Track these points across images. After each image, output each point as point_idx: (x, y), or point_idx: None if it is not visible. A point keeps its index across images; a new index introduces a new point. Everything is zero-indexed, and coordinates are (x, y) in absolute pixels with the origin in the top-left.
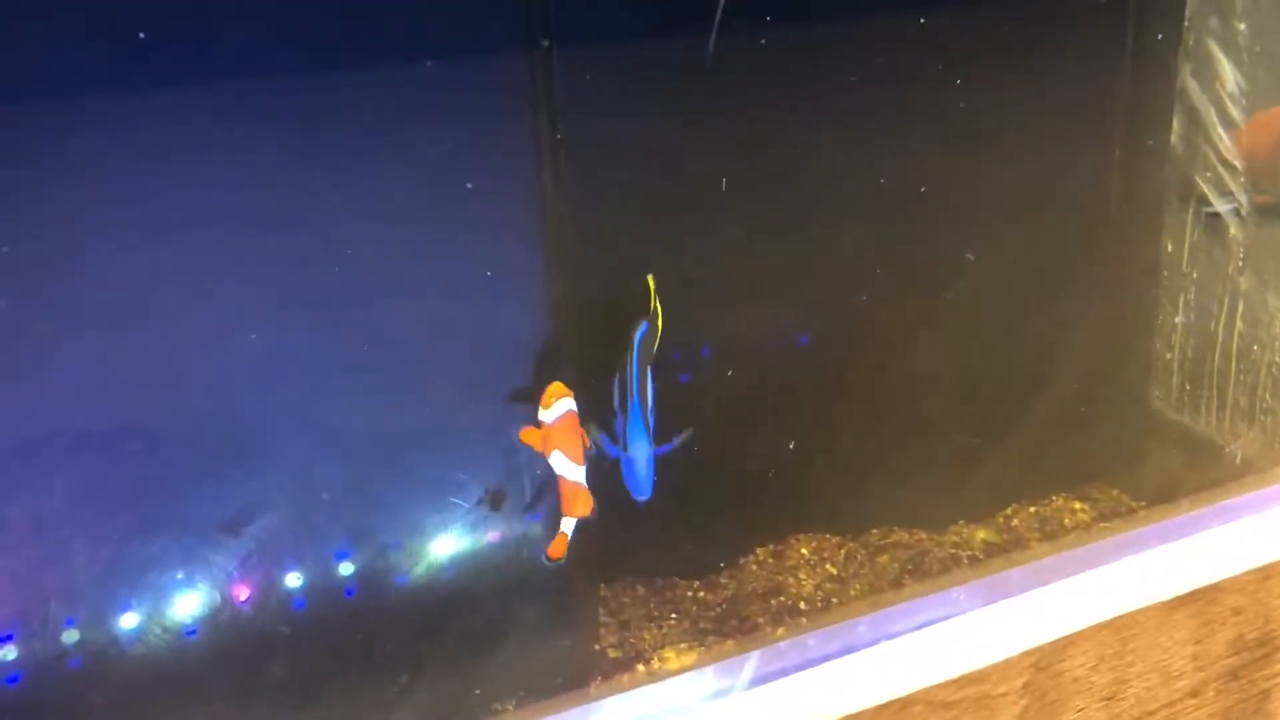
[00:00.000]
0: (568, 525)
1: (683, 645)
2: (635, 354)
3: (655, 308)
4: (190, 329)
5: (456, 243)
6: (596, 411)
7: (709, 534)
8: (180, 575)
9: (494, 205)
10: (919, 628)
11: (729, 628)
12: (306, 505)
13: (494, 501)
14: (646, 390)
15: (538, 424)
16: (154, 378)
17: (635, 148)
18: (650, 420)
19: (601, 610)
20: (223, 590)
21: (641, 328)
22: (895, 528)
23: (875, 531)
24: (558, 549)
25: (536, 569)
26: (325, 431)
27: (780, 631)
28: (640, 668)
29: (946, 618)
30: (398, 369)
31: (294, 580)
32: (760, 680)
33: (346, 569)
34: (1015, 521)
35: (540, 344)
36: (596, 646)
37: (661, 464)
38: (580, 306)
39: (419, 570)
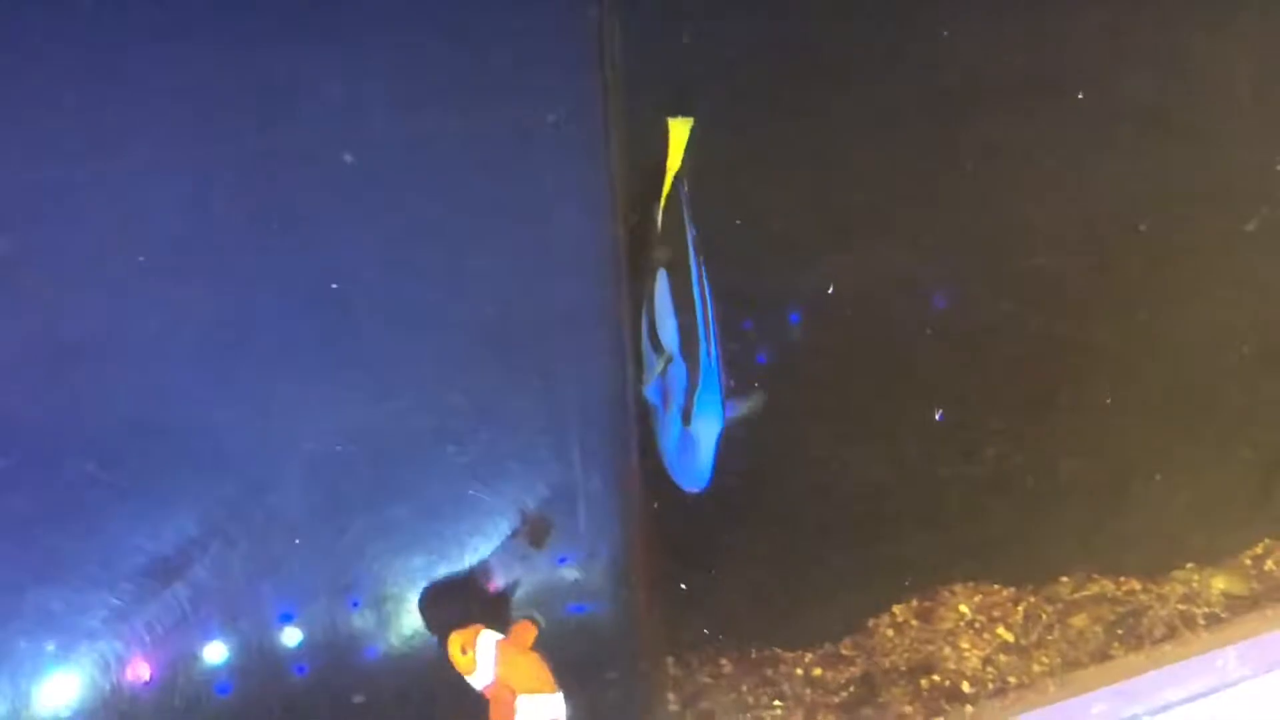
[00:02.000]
0: None
1: None
2: (696, 269)
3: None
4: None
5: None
6: None
7: (824, 584)
8: (52, 646)
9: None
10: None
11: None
12: (238, 545)
13: (535, 534)
14: (711, 328)
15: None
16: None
17: None
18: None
19: (671, 696)
20: (113, 669)
21: (690, 231)
22: (1095, 574)
23: (1066, 580)
24: None
25: (570, 633)
26: (278, 440)
27: None
28: None
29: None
30: (384, 359)
31: (216, 654)
32: None
33: (292, 637)
34: (1269, 563)
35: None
36: None
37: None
38: None
39: (399, 637)
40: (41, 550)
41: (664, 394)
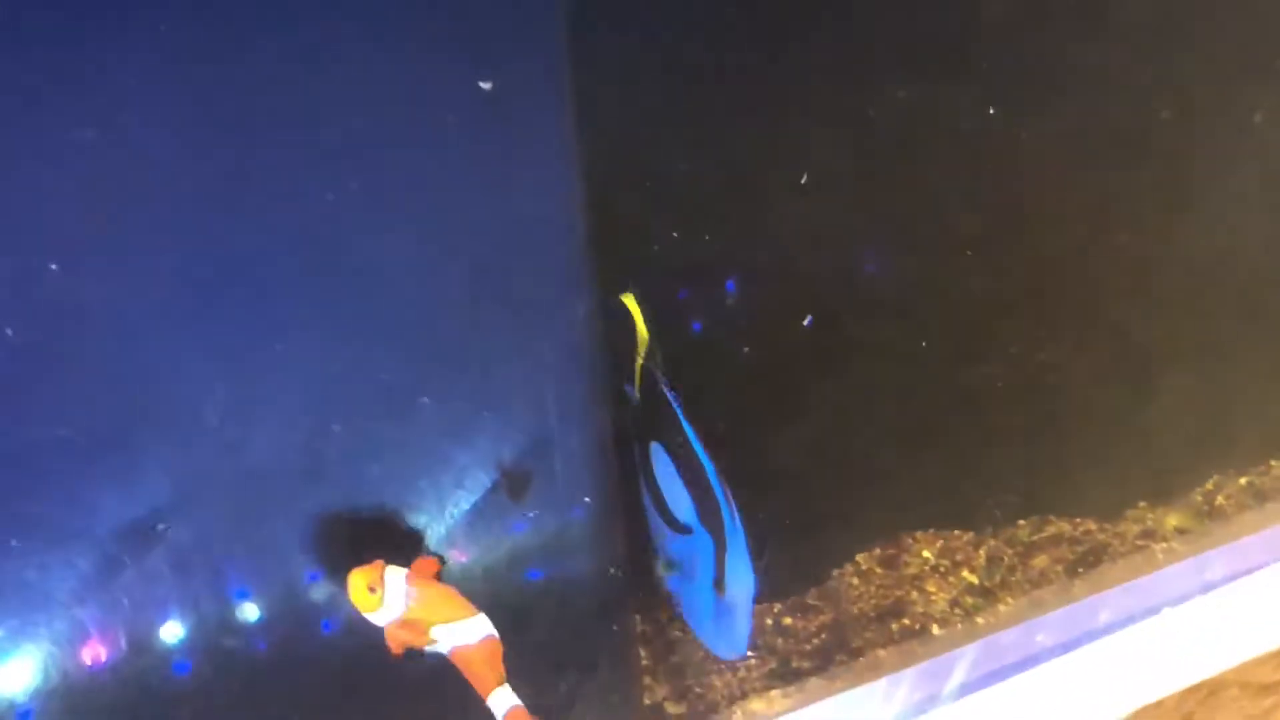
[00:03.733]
0: (505, 699)
1: (773, 692)
2: (693, 435)
3: (641, 333)
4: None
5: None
6: None
7: (785, 537)
8: (18, 619)
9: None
10: None
11: (836, 665)
12: (207, 511)
13: (513, 488)
14: (726, 490)
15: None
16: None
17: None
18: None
19: (643, 651)
20: (79, 641)
21: (671, 397)
22: (1051, 517)
23: (1023, 524)
24: None
25: (541, 588)
26: (250, 401)
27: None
28: None
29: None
30: (356, 317)
31: (172, 632)
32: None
33: (249, 612)
34: (1220, 499)
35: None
36: (647, 701)
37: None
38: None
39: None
40: (10, 517)
41: (688, 568)
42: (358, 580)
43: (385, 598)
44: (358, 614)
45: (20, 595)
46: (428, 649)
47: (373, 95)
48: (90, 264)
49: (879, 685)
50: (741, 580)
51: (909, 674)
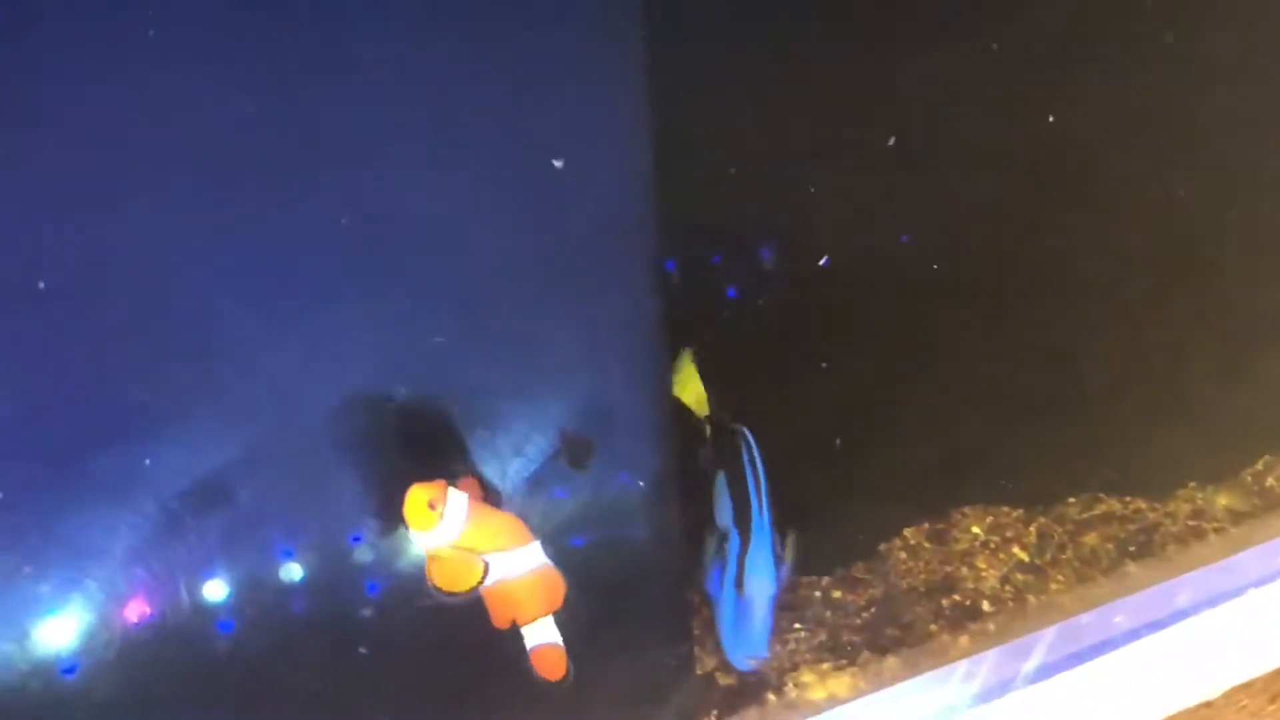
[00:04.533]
0: (542, 632)
1: (824, 665)
2: (751, 452)
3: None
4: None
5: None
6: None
7: (831, 510)
8: (45, 586)
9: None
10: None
11: (886, 639)
12: (258, 474)
13: (576, 456)
14: (763, 490)
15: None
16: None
17: None
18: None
19: (695, 621)
20: (108, 606)
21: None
22: (1101, 495)
23: (1073, 501)
24: (553, 666)
25: (600, 556)
26: (316, 368)
27: (963, 641)
28: (770, 698)
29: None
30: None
31: (216, 590)
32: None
33: (293, 572)
34: (1270, 479)
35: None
36: (699, 671)
37: None
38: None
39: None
40: (84, 478)
41: (721, 572)
42: (418, 495)
43: (444, 515)
44: (403, 572)
45: (75, 551)
46: (486, 576)
47: (444, 66)
48: (167, 236)
49: (959, 667)
50: (761, 578)
51: (990, 655)
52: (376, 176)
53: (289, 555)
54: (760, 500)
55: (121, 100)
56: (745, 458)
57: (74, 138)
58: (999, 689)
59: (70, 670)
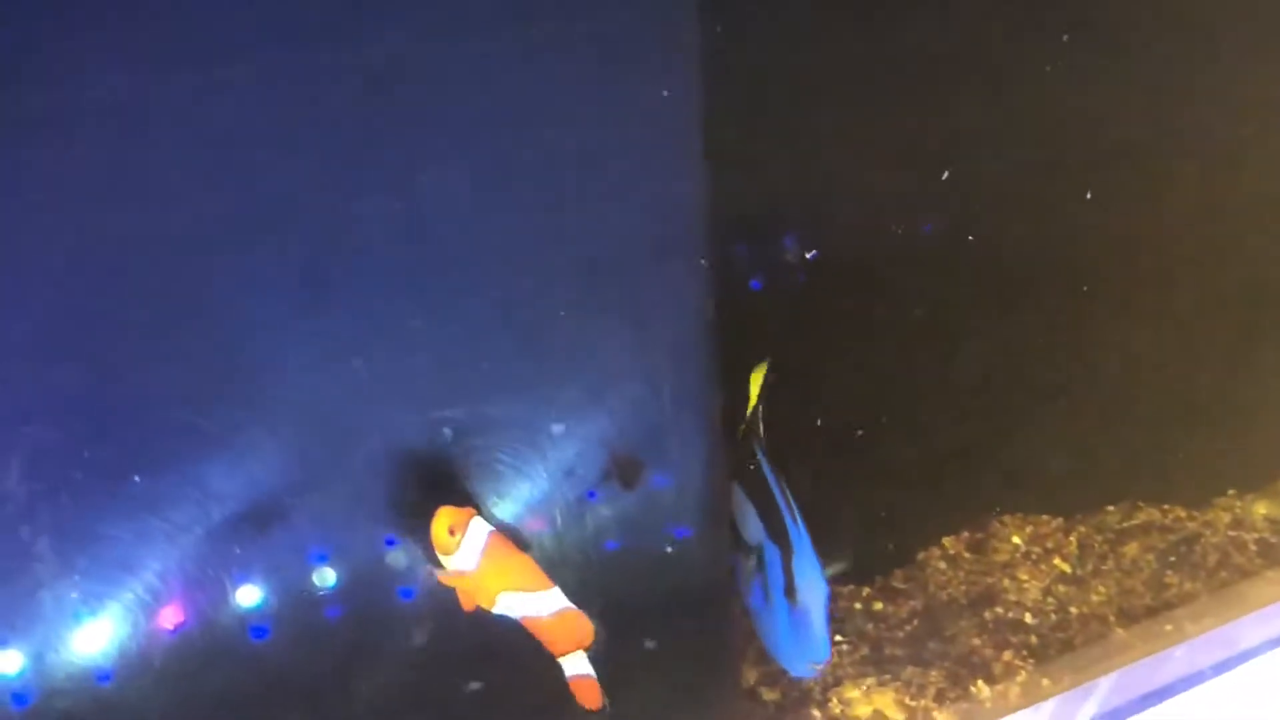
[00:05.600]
0: (576, 665)
1: (868, 680)
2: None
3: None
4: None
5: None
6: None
7: (867, 518)
8: (81, 595)
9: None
10: None
11: (929, 653)
12: (304, 492)
13: (626, 475)
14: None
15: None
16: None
17: None
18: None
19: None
20: (143, 614)
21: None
22: (1140, 503)
23: (1113, 510)
24: (590, 696)
25: (652, 567)
26: (367, 390)
27: (1007, 656)
28: (815, 714)
29: None
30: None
31: (249, 595)
32: None
33: (326, 578)
34: None
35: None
36: (745, 685)
37: None
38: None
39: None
40: (134, 497)
41: (764, 587)
42: (443, 518)
43: (462, 544)
44: (432, 582)
45: (110, 560)
46: (494, 610)
47: (497, 76)
48: (217, 254)
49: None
50: (811, 580)
51: (1078, 692)
52: (430, 198)
53: (323, 560)
54: (790, 506)
55: (174, 121)
56: (765, 467)
57: (119, 154)
58: None
59: (105, 678)
